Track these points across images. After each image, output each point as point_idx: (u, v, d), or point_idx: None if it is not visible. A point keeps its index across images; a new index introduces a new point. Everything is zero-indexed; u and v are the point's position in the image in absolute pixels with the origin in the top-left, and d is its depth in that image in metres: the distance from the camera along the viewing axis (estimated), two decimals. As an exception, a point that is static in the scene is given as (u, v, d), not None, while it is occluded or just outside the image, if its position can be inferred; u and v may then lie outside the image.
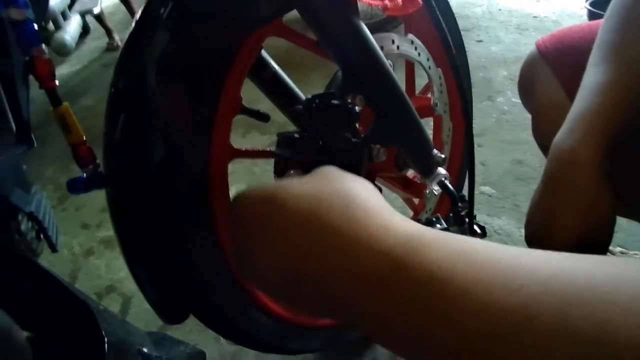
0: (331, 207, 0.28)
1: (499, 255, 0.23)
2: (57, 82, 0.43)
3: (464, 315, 0.22)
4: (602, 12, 2.00)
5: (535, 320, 0.20)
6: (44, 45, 0.42)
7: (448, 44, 0.59)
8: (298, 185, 0.30)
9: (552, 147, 0.46)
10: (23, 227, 0.62)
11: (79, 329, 0.58)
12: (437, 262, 0.24)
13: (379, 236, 0.26)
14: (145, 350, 0.63)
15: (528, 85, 0.75)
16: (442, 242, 0.25)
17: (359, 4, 0.46)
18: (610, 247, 1.02)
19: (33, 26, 0.42)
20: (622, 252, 1.01)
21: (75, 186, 0.43)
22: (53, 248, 0.58)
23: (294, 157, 0.42)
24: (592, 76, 0.47)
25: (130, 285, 1.22)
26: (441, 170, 0.61)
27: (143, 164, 0.44)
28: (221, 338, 0.96)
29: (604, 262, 0.22)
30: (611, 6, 0.51)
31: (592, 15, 2.01)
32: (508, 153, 1.47)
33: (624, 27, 0.48)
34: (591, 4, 2.05)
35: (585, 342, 0.18)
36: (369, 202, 0.29)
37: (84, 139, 0.43)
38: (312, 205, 0.28)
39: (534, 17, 2.52)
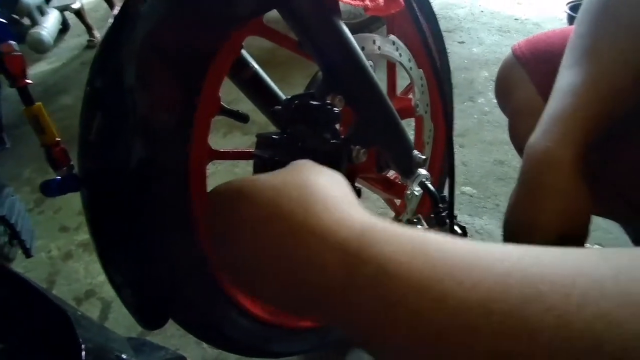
0: (290, 197, 0.29)
1: (457, 250, 0.23)
2: (29, 80, 0.41)
3: (418, 313, 0.21)
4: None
5: (494, 316, 0.19)
6: (13, 42, 0.40)
7: (428, 46, 0.59)
8: (264, 178, 0.31)
9: (527, 148, 0.46)
10: (-6, 231, 0.60)
11: (56, 337, 0.57)
12: (391, 256, 0.23)
13: (334, 228, 0.26)
14: (124, 356, 0.62)
15: (505, 89, 0.76)
16: (397, 236, 0.25)
17: (340, 4, 0.46)
18: (587, 245, 1.04)
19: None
20: (600, 250, 1.03)
21: (50, 188, 0.42)
22: (27, 253, 0.56)
23: (273, 158, 0.42)
24: (565, 78, 0.48)
25: (109, 290, 1.19)
26: (422, 171, 0.61)
27: (119, 165, 0.43)
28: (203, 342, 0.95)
29: (564, 253, 0.22)
30: (582, 11, 0.52)
31: (572, 19, 2.05)
32: (489, 153, 1.49)
33: (596, 30, 0.48)
34: (571, 8, 2.09)
35: (544, 336, 0.18)
36: (329, 193, 0.29)
37: (58, 140, 0.42)
38: (273, 196, 0.29)
39: (516, 19, 2.56)
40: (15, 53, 0.40)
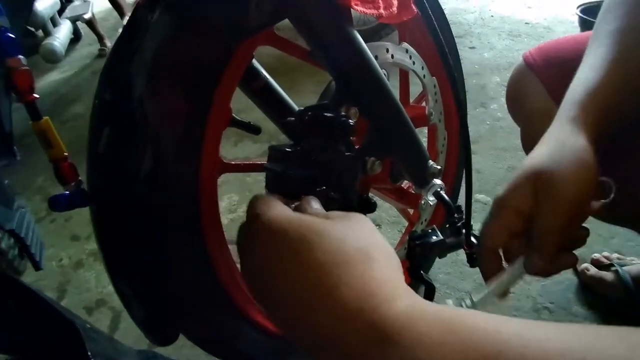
0: (353, 267, 0.29)
1: (494, 344, 0.23)
2: (36, 95, 0.40)
3: None
4: (592, 19, 2.02)
5: None
6: (21, 56, 0.40)
7: (444, 52, 0.57)
8: (330, 233, 0.31)
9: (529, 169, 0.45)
10: (4, 244, 0.60)
11: (65, 350, 0.56)
12: (427, 335, 0.24)
13: (383, 309, 0.27)
14: (134, 370, 0.61)
15: (516, 97, 0.75)
16: (442, 323, 0.25)
17: (352, 11, 0.45)
18: (607, 253, 1.01)
19: (8, 35, 0.40)
20: (619, 258, 1.00)
21: (58, 204, 0.41)
22: (36, 266, 0.56)
23: (286, 172, 0.40)
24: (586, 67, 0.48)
25: (120, 299, 1.19)
26: (437, 181, 0.60)
27: (128, 180, 0.42)
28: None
29: (583, 332, 0.23)
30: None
31: (583, 22, 2.02)
32: (503, 160, 1.46)
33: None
34: (582, 11, 2.06)
35: None
36: (384, 272, 0.30)
37: (66, 154, 0.41)
38: (337, 259, 0.29)
39: (526, 23, 2.53)
40: (23, 68, 0.39)
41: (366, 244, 0.31)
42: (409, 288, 0.30)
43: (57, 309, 0.57)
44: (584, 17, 2.00)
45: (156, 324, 0.53)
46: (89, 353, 0.52)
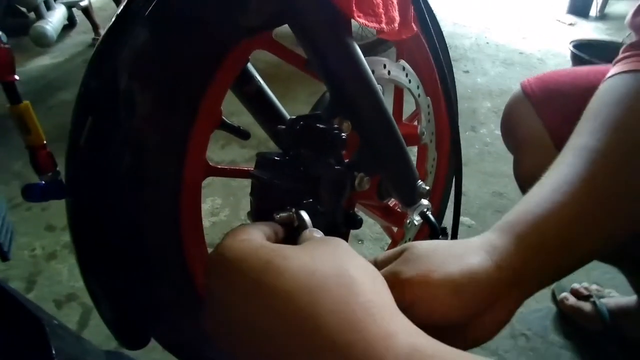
0: (330, 293, 0.24)
1: None
2: (17, 77, 0.38)
3: None
4: (584, 56, 2.07)
5: None
6: (0, 32, 0.37)
7: (443, 73, 0.57)
8: (299, 257, 0.26)
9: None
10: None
11: (28, 345, 0.53)
12: None
13: (377, 349, 0.22)
14: (100, 371, 0.58)
15: (511, 125, 0.76)
16: None
17: (352, 23, 0.45)
18: (586, 284, 1.02)
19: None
20: (598, 290, 1.01)
21: (32, 194, 0.39)
22: (4, 256, 0.53)
23: (273, 181, 0.39)
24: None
25: (91, 295, 1.16)
26: (424, 201, 0.59)
27: (108, 175, 0.40)
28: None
29: None
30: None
31: (575, 57, 2.08)
32: (489, 185, 1.48)
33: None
34: (574, 46, 2.12)
35: None
36: (370, 297, 0.25)
37: (44, 142, 0.40)
38: (310, 284, 0.25)
39: (520, 53, 2.59)
40: (3, 46, 0.37)
41: (343, 265, 0.26)
42: (403, 316, 0.26)
43: (22, 303, 0.54)
44: (576, 52, 2.06)
45: (127, 326, 0.51)
46: (53, 352, 0.50)
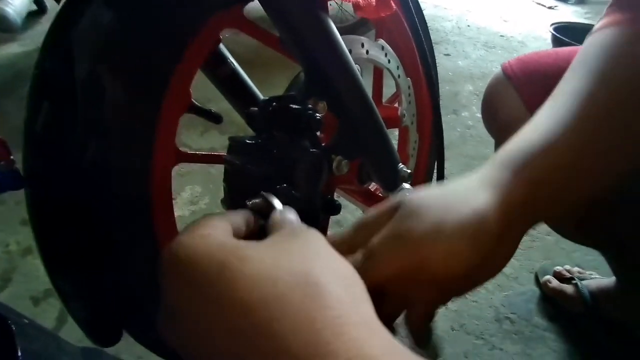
0: (293, 306, 0.21)
1: None
2: None
3: None
4: (564, 38, 2.07)
5: None
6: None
7: (424, 53, 0.55)
8: (259, 258, 0.23)
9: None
10: None
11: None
12: None
13: None
14: (75, 369, 0.56)
15: (492, 107, 0.75)
16: None
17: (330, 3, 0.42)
18: (568, 267, 1.04)
19: None
20: (579, 272, 1.02)
21: (-16, 185, 0.36)
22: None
23: (246, 166, 0.37)
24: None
25: (68, 290, 1.13)
26: (406, 185, 0.58)
27: (69, 163, 0.38)
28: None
29: None
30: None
31: (556, 39, 2.08)
32: (471, 168, 1.46)
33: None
34: (555, 29, 2.13)
35: None
36: (342, 308, 0.22)
37: (-6, 129, 0.37)
38: (268, 295, 0.21)
39: (501, 35, 2.59)
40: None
41: (310, 268, 0.23)
42: (381, 330, 0.22)
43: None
44: (557, 35, 2.06)
45: (98, 323, 0.49)
46: (19, 354, 0.48)
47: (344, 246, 0.33)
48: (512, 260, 1.03)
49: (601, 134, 0.37)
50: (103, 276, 0.45)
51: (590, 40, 0.44)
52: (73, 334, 0.99)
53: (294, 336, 0.20)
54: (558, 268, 1.04)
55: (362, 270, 0.28)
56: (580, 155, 0.36)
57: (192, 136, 1.62)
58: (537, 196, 0.34)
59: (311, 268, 0.23)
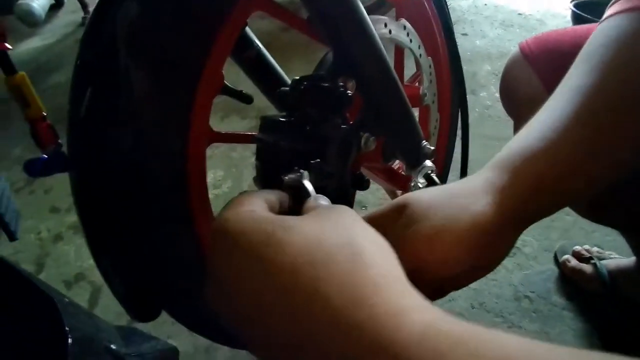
0: (337, 266, 0.23)
1: None
2: (9, 45, 0.37)
3: None
4: (585, 15, 2.00)
5: None
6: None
7: (450, 32, 0.56)
8: (303, 227, 0.25)
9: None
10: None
11: (42, 324, 0.54)
12: None
13: (388, 327, 0.20)
14: (113, 347, 0.59)
15: (510, 87, 0.74)
16: (467, 346, 0.19)
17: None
18: (587, 247, 1.03)
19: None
20: (599, 252, 1.02)
21: (34, 168, 0.38)
22: (11, 236, 0.53)
23: (279, 143, 0.39)
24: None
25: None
26: (428, 163, 0.59)
27: (111, 145, 0.40)
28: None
29: None
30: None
31: (576, 16, 2.02)
32: (490, 148, 1.47)
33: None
34: (575, 5, 2.06)
35: None
36: (380, 270, 0.23)
37: (44, 114, 0.39)
38: (315, 257, 0.23)
39: (519, 14, 2.53)
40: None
41: (351, 235, 0.25)
42: (415, 292, 0.23)
43: (34, 283, 0.54)
44: (577, 12, 2.00)
45: (138, 299, 0.51)
46: (67, 328, 0.50)
47: None
48: (531, 239, 1.04)
49: (603, 130, 0.37)
50: (142, 255, 0.47)
51: (598, 29, 0.43)
52: (104, 316, 1.03)
53: (338, 292, 0.21)
54: (577, 248, 1.04)
55: None
56: (582, 152, 0.36)
57: (212, 121, 1.63)
58: (536, 198, 0.35)
59: (351, 234, 0.25)
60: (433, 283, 0.35)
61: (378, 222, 0.35)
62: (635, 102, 0.37)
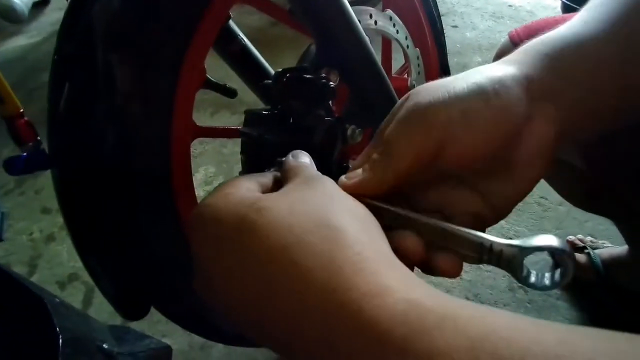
0: (312, 248, 0.22)
1: (529, 341, 0.17)
2: None
3: None
4: (575, 6, 2.01)
5: None
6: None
7: (435, 23, 0.55)
8: (276, 208, 0.24)
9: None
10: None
11: (32, 325, 0.53)
12: (448, 354, 0.17)
13: (370, 308, 0.20)
14: (105, 346, 0.59)
15: None
16: (454, 321, 0.18)
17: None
18: (581, 236, 1.03)
19: None
20: (592, 241, 1.02)
21: (14, 166, 0.38)
22: (-3, 236, 0.53)
23: (263, 136, 0.38)
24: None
25: (92, 274, 1.16)
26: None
27: (92, 142, 0.39)
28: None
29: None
30: None
31: (566, 8, 2.02)
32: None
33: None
34: (565, -4, 2.05)
35: None
36: (361, 246, 0.22)
37: (21, 110, 0.38)
38: (287, 241, 0.22)
39: (509, 5, 2.53)
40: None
41: (327, 214, 0.24)
42: (400, 266, 0.23)
43: (23, 283, 0.54)
44: (567, 3, 2.00)
45: (126, 298, 0.51)
46: (58, 329, 0.50)
47: (364, 158, 0.32)
48: (524, 230, 1.04)
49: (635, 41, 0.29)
50: (129, 252, 0.46)
51: None
52: (98, 316, 1.02)
53: (315, 275, 0.21)
54: (570, 237, 1.04)
55: (381, 169, 0.28)
56: (613, 60, 0.29)
57: (202, 117, 1.62)
58: (569, 79, 0.28)
59: (326, 212, 0.24)
60: (463, 169, 0.29)
61: (387, 122, 0.32)
62: None
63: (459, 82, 0.28)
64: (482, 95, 0.27)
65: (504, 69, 0.28)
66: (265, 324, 0.23)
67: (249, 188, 0.27)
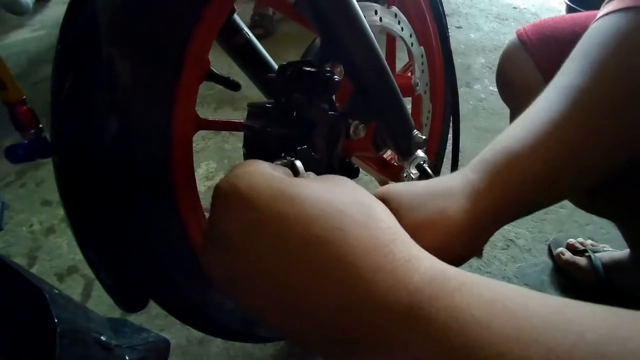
0: (350, 223, 0.24)
1: (544, 309, 0.20)
2: None
3: None
4: (579, 9, 2.00)
5: None
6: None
7: (441, 22, 0.55)
8: (311, 186, 0.25)
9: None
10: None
11: (30, 316, 0.53)
12: (465, 309, 0.20)
13: (404, 269, 0.22)
14: (102, 338, 0.59)
15: (507, 75, 0.73)
16: (471, 285, 0.22)
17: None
18: (582, 239, 1.03)
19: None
20: (592, 245, 1.02)
21: (15, 154, 0.37)
22: (-3, 225, 0.53)
23: (266, 129, 0.38)
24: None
25: (92, 266, 1.16)
26: (420, 153, 0.58)
27: (94, 130, 0.39)
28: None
29: None
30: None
31: (571, 10, 2.02)
32: (484, 140, 1.47)
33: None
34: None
35: None
36: (389, 221, 0.26)
37: (24, 97, 0.38)
38: (327, 216, 0.24)
39: (514, 7, 2.53)
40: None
41: (357, 195, 0.26)
42: (413, 242, 0.26)
43: (22, 275, 0.54)
44: (572, 5, 2.00)
45: (125, 290, 0.50)
46: (56, 320, 0.50)
47: None
48: (525, 232, 1.04)
49: (597, 131, 0.37)
50: (129, 244, 0.46)
51: (594, 27, 0.43)
52: (97, 308, 1.02)
53: (355, 241, 0.23)
54: (571, 240, 1.04)
55: None
56: (572, 153, 0.36)
57: (205, 112, 1.62)
58: (515, 200, 0.36)
59: (357, 195, 0.26)
60: None
61: None
62: (629, 103, 0.37)
63: (424, 230, 0.34)
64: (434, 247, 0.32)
65: (459, 214, 0.35)
66: (299, 289, 0.23)
67: (271, 170, 0.28)
